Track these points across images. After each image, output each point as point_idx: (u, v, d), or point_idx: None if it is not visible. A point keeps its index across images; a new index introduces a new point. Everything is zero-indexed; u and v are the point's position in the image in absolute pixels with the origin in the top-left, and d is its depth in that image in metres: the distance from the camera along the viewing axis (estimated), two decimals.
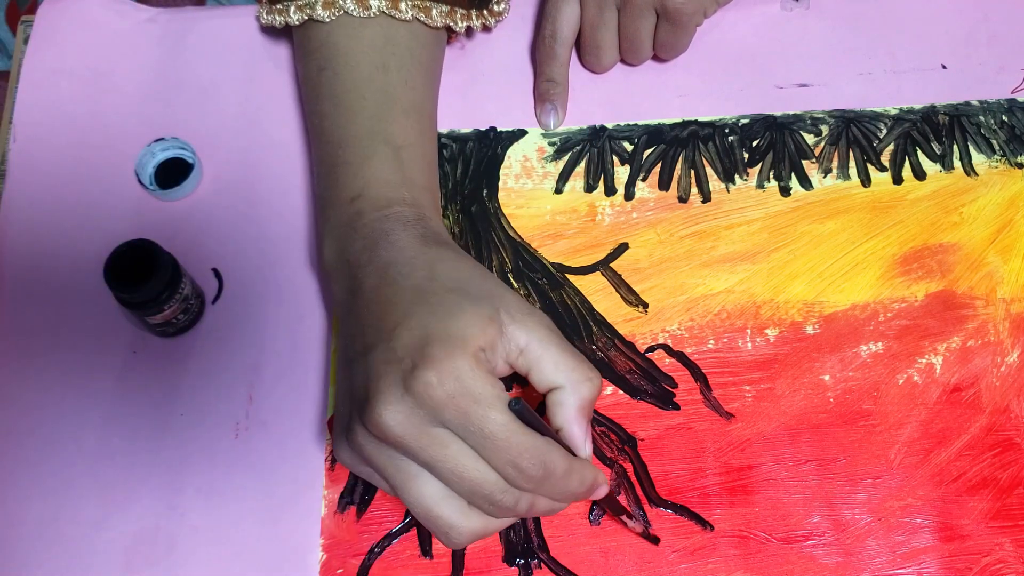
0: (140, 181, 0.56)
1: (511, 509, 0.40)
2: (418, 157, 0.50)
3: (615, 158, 0.58)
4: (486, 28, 0.59)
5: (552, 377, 0.40)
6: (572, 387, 0.40)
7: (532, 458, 0.38)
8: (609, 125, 0.59)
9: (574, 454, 0.41)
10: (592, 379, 0.41)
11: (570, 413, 0.41)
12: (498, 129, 0.59)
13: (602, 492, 0.43)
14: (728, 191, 0.57)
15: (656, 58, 0.59)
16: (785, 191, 0.57)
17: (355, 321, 0.43)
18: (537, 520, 0.49)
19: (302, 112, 0.58)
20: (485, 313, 0.40)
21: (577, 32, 0.58)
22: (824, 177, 0.57)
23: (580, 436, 0.41)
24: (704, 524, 0.49)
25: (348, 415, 0.41)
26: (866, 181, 0.57)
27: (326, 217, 0.48)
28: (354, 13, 0.50)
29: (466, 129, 0.59)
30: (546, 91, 0.58)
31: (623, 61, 0.60)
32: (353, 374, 0.41)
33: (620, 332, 0.53)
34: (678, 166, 0.57)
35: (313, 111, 0.52)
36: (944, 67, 0.60)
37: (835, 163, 0.57)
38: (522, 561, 0.48)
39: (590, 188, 0.57)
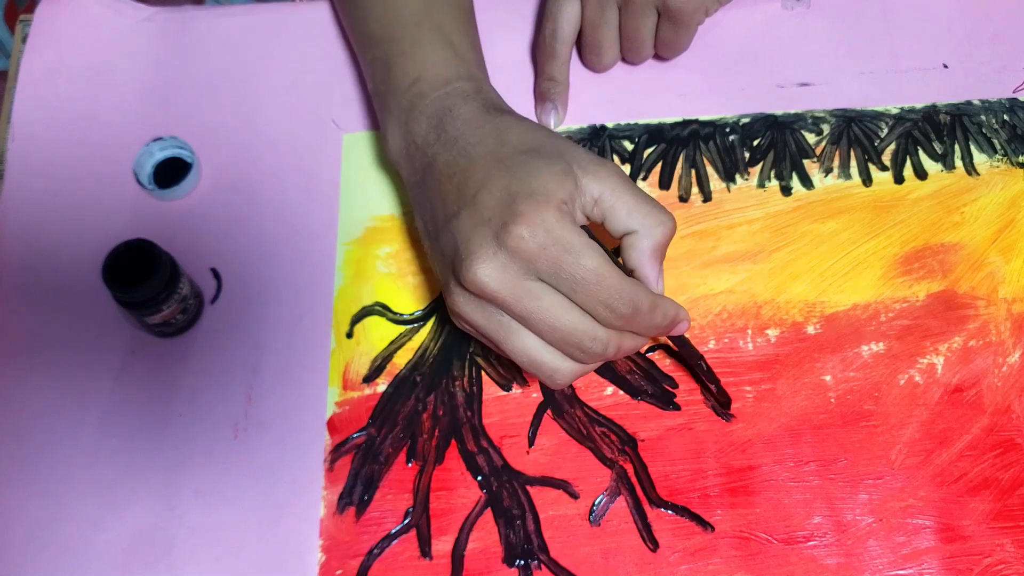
0: (138, 181, 0.55)
1: (600, 355, 0.43)
2: (467, 41, 0.52)
3: (616, 157, 0.58)
4: None
5: (626, 222, 0.43)
6: (645, 231, 0.43)
7: (622, 297, 0.41)
8: (609, 124, 0.59)
9: None
10: (665, 222, 0.43)
11: (644, 255, 0.43)
12: None
13: (684, 327, 0.45)
14: (729, 190, 0.57)
15: (657, 57, 0.59)
16: (786, 190, 0.57)
17: (434, 196, 0.45)
18: (537, 521, 0.49)
19: (345, 31, 0.59)
20: (560, 168, 0.42)
21: (578, 31, 0.57)
22: (825, 176, 0.57)
23: (653, 275, 0.44)
24: (705, 525, 0.49)
25: (447, 282, 0.43)
26: (867, 180, 0.57)
27: (387, 108, 0.50)
28: None
29: None
30: (547, 90, 0.58)
31: (624, 60, 0.59)
32: (442, 244, 0.44)
33: None
34: (679, 165, 0.57)
35: (358, 19, 0.54)
36: (946, 66, 0.60)
37: (836, 162, 0.57)
38: (522, 562, 0.48)
39: None
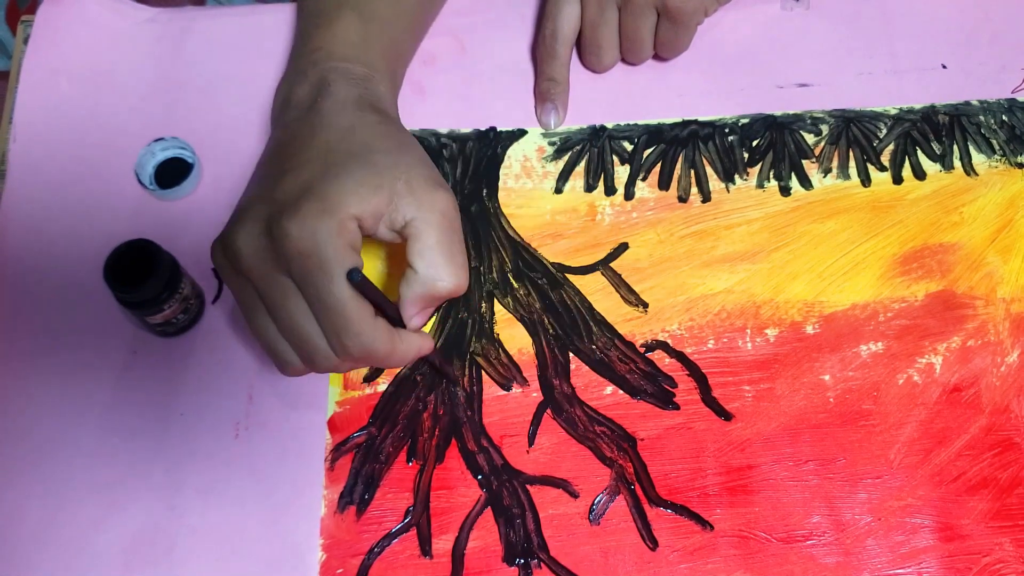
0: (140, 181, 0.56)
1: (330, 370, 0.42)
2: (384, 33, 0.52)
3: (615, 158, 0.58)
4: None
5: (413, 259, 0.41)
6: (425, 276, 0.41)
7: (354, 338, 0.40)
8: (609, 125, 0.59)
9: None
10: (445, 280, 0.41)
11: (409, 294, 0.42)
12: (498, 129, 0.59)
13: (427, 353, 0.45)
14: (728, 191, 0.57)
15: (657, 57, 0.59)
16: (785, 191, 0.57)
17: (270, 151, 0.45)
18: (537, 520, 0.49)
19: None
20: (374, 182, 0.41)
21: (578, 31, 0.57)
22: (824, 177, 0.57)
23: (410, 315, 0.42)
24: (704, 524, 0.49)
25: (226, 227, 0.42)
26: (866, 181, 0.57)
27: (286, 70, 0.50)
28: None
29: (466, 129, 0.59)
30: (547, 90, 0.58)
31: (624, 60, 0.60)
32: (243, 193, 0.43)
33: (620, 332, 0.53)
34: (678, 166, 0.57)
35: None
36: (944, 67, 0.60)
37: (835, 163, 0.57)
38: (522, 561, 0.48)
39: (590, 188, 0.57)
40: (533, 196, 0.57)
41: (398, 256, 0.53)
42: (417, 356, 0.44)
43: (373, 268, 0.54)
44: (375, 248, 0.54)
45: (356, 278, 0.40)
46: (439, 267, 0.41)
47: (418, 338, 0.44)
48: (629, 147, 0.58)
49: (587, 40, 0.58)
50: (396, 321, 0.43)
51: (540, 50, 0.58)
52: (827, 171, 0.57)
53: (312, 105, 0.46)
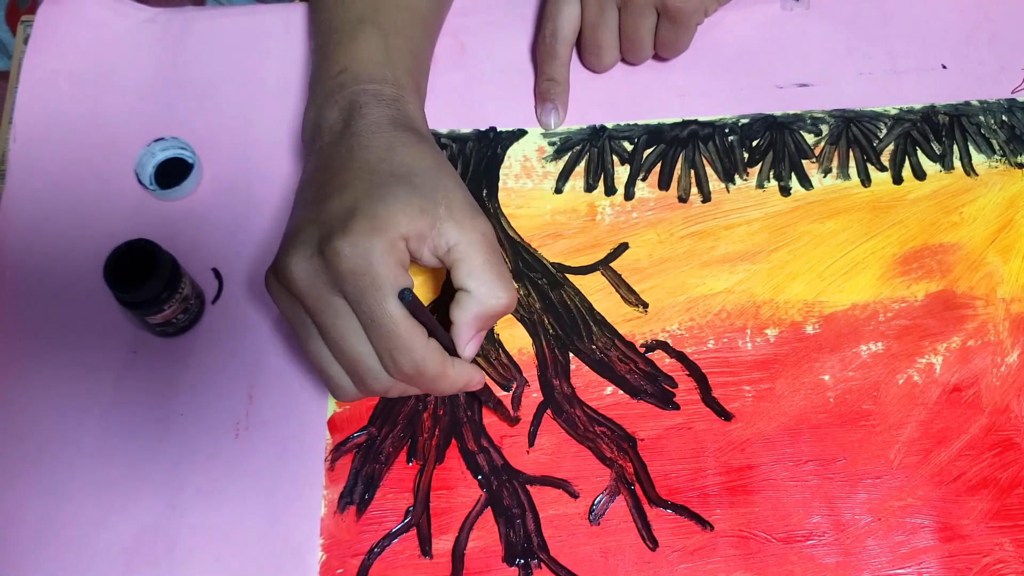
0: (140, 181, 0.56)
1: (380, 393, 0.43)
2: (405, 46, 0.51)
3: (615, 158, 0.58)
4: None
5: (464, 280, 0.42)
6: (478, 295, 0.42)
7: (409, 357, 0.40)
8: (609, 125, 0.59)
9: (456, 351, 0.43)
10: (500, 297, 0.42)
11: (465, 316, 0.42)
12: (498, 129, 0.59)
13: (477, 387, 0.45)
14: (728, 191, 0.57)
15: (657, 57, 0.59)
16: (785, 191, 0.57)
17: (309, 175, 0.45)
18: (537, 520, 0.49)
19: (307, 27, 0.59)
20: (419, 204, 0.41)
21: (578, 31, 0.57)
22: (824, 177, 0.57)
23: (465, 339, 0.43)
24: (704, 524, 0.49)
25: (276, 257, 0.43)
26: (866, 181, 0.57)
27: (312, 93, 0.49)
28: None
29: (466, 129, 0.59)
30: (547, 90, 0.58)
31: (624, 60, 0.60)
32: (289, 220, 0.44)
33: (620, 332, 0.53)
34: (678, 166, 0.57)
35: (313, 7, 0.55)
36: (944, 67, 0.60)
37: (835, 163, 0.57)
38: (522, 561, 0.48)
39: (590, 188, 0.57)
40: (533, 196, 0.57)
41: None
42: (467, 386, 0.44)
43: None
44: None
45: (408, 297, 0.40)
46: (491, 284, 0.42)
47: (471, 368, 0.44)
48: (629, 147, 0.58)
49: (587, 40, 0.58)
50: (449, 348, 0.43)
51: (540, 50, 0.58)
52: (827, 171, 0.57)
53: (346, 128, 0.45)
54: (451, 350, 0.43)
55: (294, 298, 0.42)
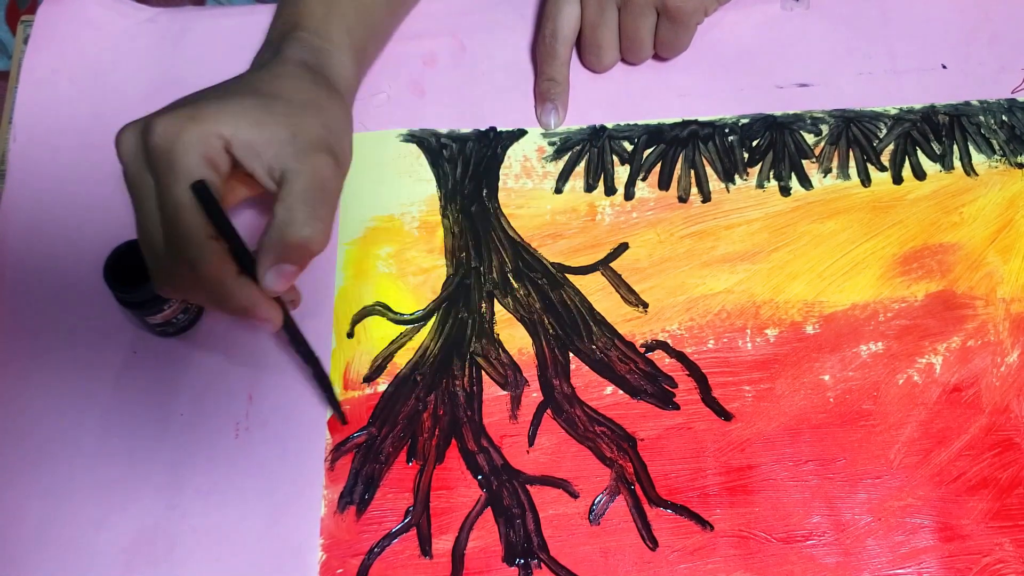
0: None
1: (169, 280, 0.43)
2: (351, 8, 0.53)
3: (615, 158, 0.58)
4: None
5: (276, 206, 0.43)
6: (280, 221, 0.42)
7: (185, 246, 0.41)
8: (609, 125, 0.59)
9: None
10: (302, 230, 0.42)
11: (265, 240, 0.42)
12: (498, 129, 0.59)
13: (267, 327, 0.45)
14: (728, 191, 0.57)
15: (657, 57, 0.59)
16: (785, 191, 0.57)
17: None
18: (537, 520, 0.49)
19: None
20: (257, 117, 0.43)
21: (578, 31, 0.58)
22: (824, 177, 0.57)
23: (263, 264, 0.42)
24: (704, 524, 0.49)
25: None
26: (866, 181, 0.57)
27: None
28: None
29: (466, 129, 0.59)
30: (547, 90, 0.58)
31: (624, 60, 0.60)
32: None
33: (620, 332, 0.53)
34: (678, 166, 0.57)
35: None
36: (944, 67, 0.60)
37: (835, 163, 0.57)
38: (522, 561, 0.48)
39: (590, 188, 0.57)
40: (533, 196, 0.57)
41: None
42: (251, 312, 0.44)
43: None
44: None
45: (200, 189, 0.41)
46: (297, 213, 0.42)
47: (261, 297, 0.43)
48: (629, 147, 0.58)
49: (587, 40, 0.58)
50: (248, 267, 0.43)
51: (540, 50, 0.58)
52: (827, 171, 0.57)
53: (260, 63, 0.49)
54: (251, 269, 0.43)
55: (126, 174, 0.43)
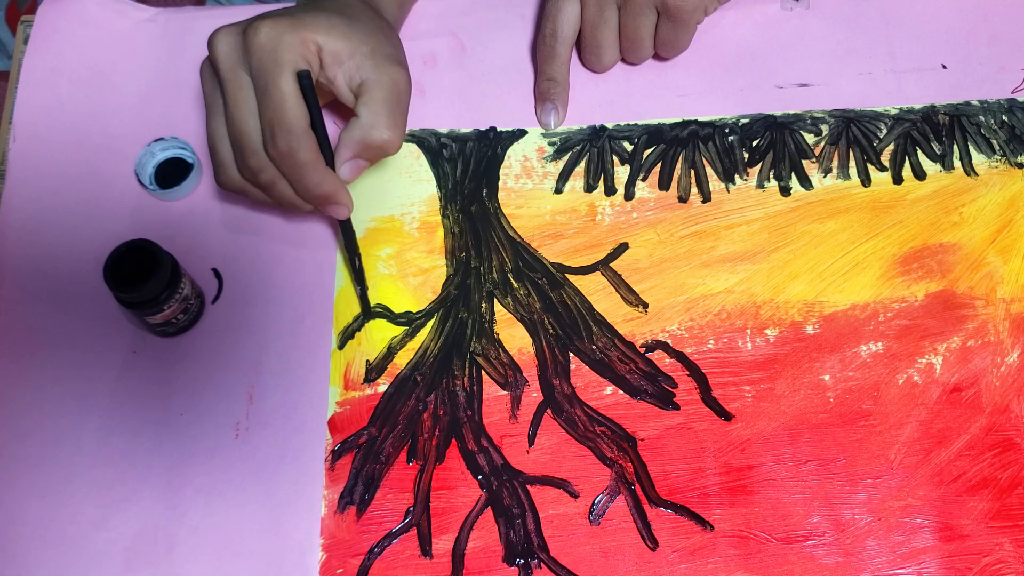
0: (140, 181, 0.56)
1: (255, 174, 0.47)
2: None
3: (615, 158, 0.58)
4: None
5: (359, 108, 0.47)
6: (364, 122, 0.47)
7: (284, 131, 0.46)
8: (609, 125, 0.59)
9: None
10: (382, 132, 0.47)
11: (347, 137, 0.48)
12: (498, 129, 0.59)
13: (341, 212, 0.49)
14: (728, 191, 0.57)
15: (657, 57, 0.59)
16: (785, 191, 0.57)
17: None
18: (537, 520, 0.49)
19: None
20: (344, 31, 0.47)
21: (578, 31, 0.57)
22: (824, 177, 0.57)
23: (343, 156, 0.48)
24: (704, 524, 0.49)
25: None
26: (866, 181, 0.57)
27: None
28: None
29: (466, 129, 0.59)
30: (546, 90, 0.58)
31: (624, 60, 0.60)
32: None
33: (620, 332, 0.53)
34: (678, 166, 0.57)
35: None
36: (944, 67, 0.60)
37: (835, 163, 0.57)
38: (522, 561, 0.48)
39: (590, 188, 0.57)
40: (533, 196, 0.57)
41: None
42: (329, 198, 0.48)
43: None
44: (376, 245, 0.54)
45: (304, 77, 0.46)
46: (379, 117, 0.47)
47: (339, 184, 0.48)
48: (629, 147, 0.58)
49: (587, 40, 0.58)
50: (328, 158, 0.48)
51: (540, 50, 0.58)
52: (827, 171, 0.57)
53: None
54: (330, 160, 0.48)
55: (215, 76, 0.47)
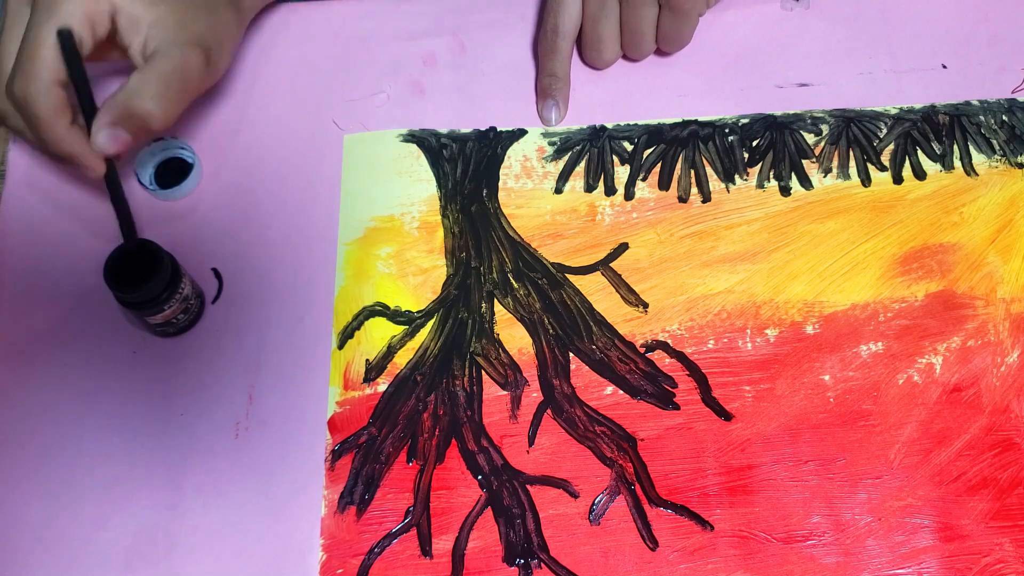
0: (140, 181, 0.56)
1: (2, 116, 0.47)
2: None
3: (615, 158, 0.58)
4: None
5: (132, 74, 0.46)
6: (131, 88, 0.46)
7: (25, 76, 0.45)
8: (609, 125, 0.59)
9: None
10: (146, 102, 0.46)
11: (110, 100, 0.46)
12: (498, 129, 0.59)
13: (88, 174, 0.48)
14: (728, 191, 0.57)
15: (658, 52, 0.59)
16: (785, 191, 0.57)
17: None
18: (537, 520, 0.49)
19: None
20: (160, 4, 0.47)
21: (579, 27, 0.57)
22: (824, 177, 0.57)
23: (100, 122, 0.46)
24: (704, 524, 0.49)
25: None
26: (866, 181, 0.57)
27: None
28: None
29: (466, 129, 0.59)
30: (548, 86, 0.58)
31: (625, 57, 0.60)
32: None
33: (620, 332, 0.53)
34: (678, 166, 0.57)
35: None
36: (944, 67, 0.60)
37: (835, 163, 0.57)
38: (522, 561, 0.48)
39: (590, 188, 0.57)
40: (533, 196, 0.57)
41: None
42: (73, 156, 0.47)
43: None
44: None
45: (65, 36, 0.45)
46: (149, 86, 0.46)
47: (83, 147, 0.46)
48: (629, 147, 0.58)
49: (588, 35, 0.57)
50: (89, 122, 0.46)
51: (541, 46, 0.58)
52: (827, 171, 0.57)
53: None
54: (88, 123, 0.47)
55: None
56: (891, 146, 0.58)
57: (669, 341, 0.53)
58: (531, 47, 0.61)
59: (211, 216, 0.56)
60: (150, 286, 0.48)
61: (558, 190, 0.57)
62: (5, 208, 0.56)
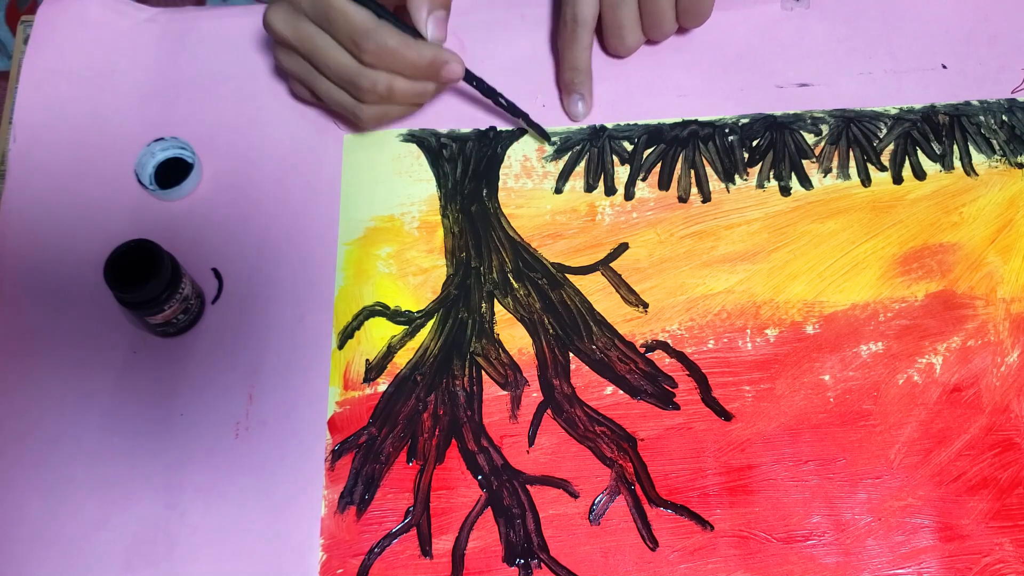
0: (140, 181, 0.56)
1: (372, 91, 0.50)
2: None
3: (615, 158, 0.58)
4: None
5: None
6: None
7: (365, 36, 0.48)
8: (609, 125, 0.59)
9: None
10: None
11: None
12: (498, 129, 0.59)
13: (454, 70, 0.51)
14: (728, 191, 0.57)
15: (680, 31, 0.59)
16: (785, 191, 0.57)
17: None
18: (537, 520, 0.49)
19: None
20: None
21: (598, 14, 0.56)
22: (824, 177, 0.57)
23: (422, 18, 0.50)
24: (704, 524, 0.49)
25: None
26: (866, 181, 0.57)
27: None
28: None
29: (466, 129, 0.59)
30: (571, 80, 0.57)
31: (647, 41, 0.59)
32: None
33: (620, 332, 0.53)
34: (678, 166, 0.57)
35: None
36: (944, 67, 0.60)
37: (835, 163, 0.57)
38: (522, 561, 0.48)
39: (590, 188, 0.57)
40: (533, 196, 0.57)
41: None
42: (436, 62, 0.50)
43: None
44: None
45: None
46: None
47: (436, 47, 0.49)
48: (629, 147, 0.58)
49: (608, 22, 0.56)
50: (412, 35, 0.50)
51: (561, 38, 0.57)
52: (827, 171, 0.57)
53: None
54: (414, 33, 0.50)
55: (286, 48, 0.51)
56: (891, 146, 0.58)
57: (669, 341, 0.53)
58: (549, 40, 0.60)
59: (211, 216, 0.56)
60: (150, 286, 0.48)
61: (558, 190, 0.57)
62: (5, 208, 0.56)
